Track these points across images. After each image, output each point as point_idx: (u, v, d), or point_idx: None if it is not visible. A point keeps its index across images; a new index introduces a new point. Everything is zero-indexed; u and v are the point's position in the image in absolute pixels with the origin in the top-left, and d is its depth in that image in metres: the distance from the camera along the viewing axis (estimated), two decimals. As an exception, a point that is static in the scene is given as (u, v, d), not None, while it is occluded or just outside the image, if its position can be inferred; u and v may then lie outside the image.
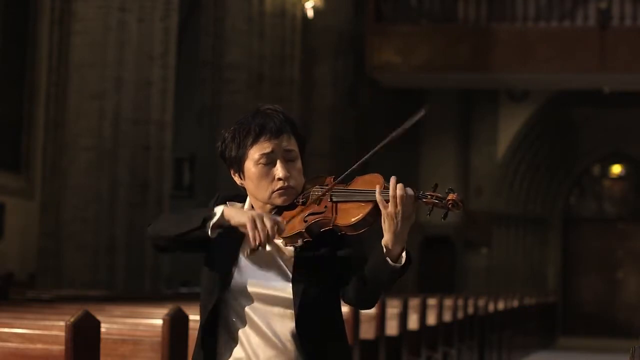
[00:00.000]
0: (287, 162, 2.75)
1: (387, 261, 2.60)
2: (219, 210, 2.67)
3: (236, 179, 2.82)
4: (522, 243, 20.89)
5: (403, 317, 7.93)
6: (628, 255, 21.47)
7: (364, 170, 2.79)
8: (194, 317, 4.58)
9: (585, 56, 16.87)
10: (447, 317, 10.02)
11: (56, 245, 10.84)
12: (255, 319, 2.71)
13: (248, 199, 2.85)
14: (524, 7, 17.53)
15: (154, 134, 11.01)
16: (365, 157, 2.73)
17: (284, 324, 2.71)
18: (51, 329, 4.08)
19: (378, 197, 2.61)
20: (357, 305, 2.76)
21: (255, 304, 2.70)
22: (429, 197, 2.62)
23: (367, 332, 6.99)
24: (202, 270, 2.82)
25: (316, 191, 2.74)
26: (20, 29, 15.02)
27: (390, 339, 7.59)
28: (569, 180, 21.65)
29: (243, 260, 2.74)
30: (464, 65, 17.39)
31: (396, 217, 2.59)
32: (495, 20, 17.51)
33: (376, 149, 2.74)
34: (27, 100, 15.04)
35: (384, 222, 2.61)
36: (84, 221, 10.65)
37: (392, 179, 2.63)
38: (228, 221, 2.65)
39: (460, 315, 10.59)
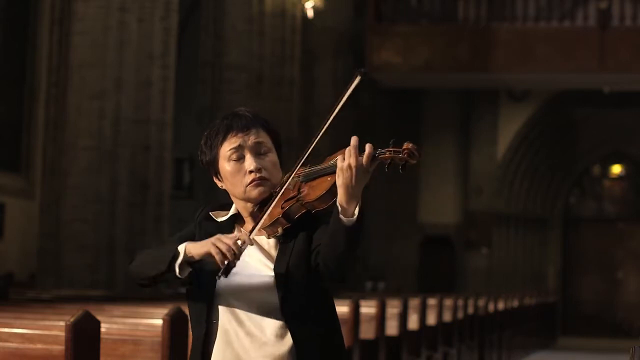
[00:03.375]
0: (258, 155, 2.78)
1: (340, 219, 2.57)
2: (181, 249, 2.70)
3: (217, 182, 2.86)
4: (522, 243, 20.89)
5: (403, 317, 7.93)
6: (628, 255, 21.47)
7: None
8: (194, 317, 4.58)
9: (585, 56, 16.87)
10: (447, 317, 10.02)
11: (56, 245, 10.84)
12: (244, 318, 2.72)
13: (234, 204, 2.87)
14: (524, 7, 17.53)
15: (154, 134, 11.01)
16: (319, 133, 2.75)
17: (272, 319, 2.71)
18: (51, 329, 4.08)
19: (339, 156, 2.62)
20: (327, 273, 2.67)
21: (243, 304, 2.71)
22: (386, 153, 2.62)
23: (367, 332, 6.99)
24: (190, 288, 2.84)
25: (286, 177, 2.77)
26: (20, 29, 15.03)
27: (390, 339, 7.59)
28: (569, 180, 21.65)
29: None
30: (464, 65, 17.39)
31: (349, 170, 2.58)
32: (495, 20, 17.51)
33: (327, 123, 2.76)
34: (27, 100, 15.05)
35: (338, 177, 2.59)
36: (84, 221, 10.65)
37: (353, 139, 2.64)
38: (192, 257, 2.69)
39: (460, 315, 10.59)
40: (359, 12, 17.94)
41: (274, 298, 2.70)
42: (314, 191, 2.69)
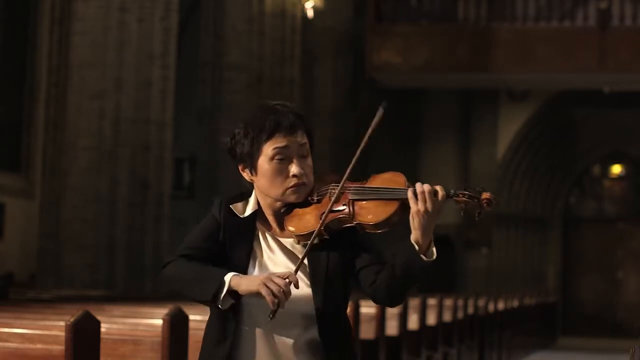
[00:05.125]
0: (300, 158, 2.73)
1: (421, 258, 2.60)
2: (226, 280, 2.63)
3: (245, 175, 2.79)
4: (522, 243, 20.89)
5: (403, 317, 7.93)
6: (628, 255, 21.46)
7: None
8: (194, 317, 4.58)
9: (585, 56, 16.87)
10: (447, 317, 10.02)
11: (56, 245, 10.84)
12: (274, 327, 2.68)
13: (254, 196, 2.82)
14: (524, 7, 17.53)
15: (154, 134, 11.00)
16: (356, 155, 2.72)
17: (302, 327, 2.69)
18: (51, 329, 4.08)
19: (410, 194, 2.59)
20: (388, 303, 2.74)
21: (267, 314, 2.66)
22: (460, 195, 2.61)
23: (367, 332, 6.99)
24: None
25: (332, 189, 2.71)
26: (20, 29, 15.03)
27: (390, 339, 7.59)
28: (569, 180, 21.64)
29: (256, 273, 2.71)
30: (464, 65, 17.38)
31: (425, 215, 2.59)
32: (495, 20, 17.50)
33: (361, 146, 2.74)
34: (27, 100, 15.05)
35: (413, 219, 2.60)
36: (84, 221, 10.65)
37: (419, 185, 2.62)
38: (236, 291, 2.63)
39: (460, 315, 10.59)
40: (359, 12, 17.93)
41: (308, 308, 2.69)
42: (369, 214, 2.65)
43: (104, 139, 10.73)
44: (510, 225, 20.64)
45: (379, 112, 2.75)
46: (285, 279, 2.58)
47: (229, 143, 2.78)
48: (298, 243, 2.72)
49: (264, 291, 2.56)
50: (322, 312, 2.67)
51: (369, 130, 2.73)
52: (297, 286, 2.60)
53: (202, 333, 4.50)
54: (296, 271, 2.62)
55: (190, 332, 4.37)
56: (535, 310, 17.80)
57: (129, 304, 7.12)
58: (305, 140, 2.75)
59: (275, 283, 2.57)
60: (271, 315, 2.58)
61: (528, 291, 18.23)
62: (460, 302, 10.72)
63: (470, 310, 11.38)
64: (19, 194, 14.72)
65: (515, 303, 15.47)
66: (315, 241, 2.66)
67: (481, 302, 12.18)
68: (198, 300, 2.71)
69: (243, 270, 2.69)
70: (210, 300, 2.64)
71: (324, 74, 17.26)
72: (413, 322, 8.50)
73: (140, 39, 10.88)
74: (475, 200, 2.60)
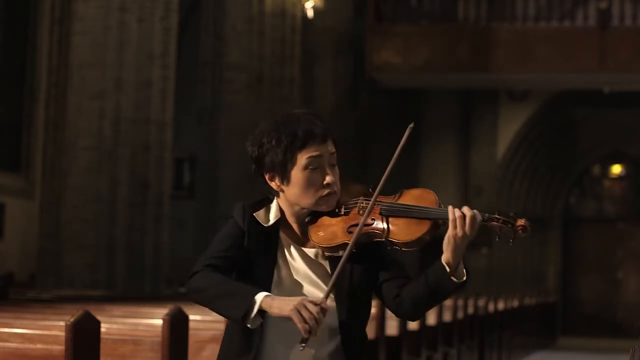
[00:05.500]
0: (331, 167, 2.74)
1: (451, 280, 2.62)
2: (257, 300, 2.59)
3: (273, 184, 2.76)
4: (522, 243, 20.87)
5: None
6: (628, 255, 21.46)
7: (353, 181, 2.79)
8: (194, 317, 4.58)
9: (585, 56, 16.87)
10: (447, 317, 10.02)
11: (56, 245, 10.84)
12: (292, 343, 2.66)
13: (276, 204, 2.79)
14: (524, 7, 17.53)
15: (154, 134, 11.00)
16: (387, 172, 2.72)
17: (324, 345, 2.68)
18: (51, 329, 4.09)
19: (451, 218, 2.60)
20: (411, 318, 2.78)
21: (293, 327, 2.63)
22: (495, 220, 2.62)
23: (367, 332, 6.98)
24: None
25: (363, 203, 2.70)
26: (20, 29, 15.03)
27: (390, 339, 7.59)
28: (569, 180, 21.64)
29: (277, 285, 2.70)
30: (464, 65, 17.38)
31: (461, 239, 2.61)
32: (495, 20, 17.50)
33: (391, 164, 2.73)
34: (27, 100, 15.06)
35: (448, 242, 2.62)
36: (84, 221, 10.65)
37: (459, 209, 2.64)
38: (266, 311, 2.60)
39: (460, 315, 10.59)
40: (359, 12, 17.93)
41: (332, 320, 2.69)
42: (401, 232, 2.64)
43: (104, 139, 10.73)
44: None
45: (408, 130, 2.76)
46: (317, 305, 2.55)
47: (256, 152, 2.74)
48: (322, 253, 2.71)
49: (296, 318, 2.53)
50: (345, 324, 2.67)
51: (399, 148, 2.75)
52: (325, 313, 2.57)
53: (202, 333, 4.48)
54: (327, 296, 2.60)
55: (190, 332, 4.37)
56: (535, 310, 17.80)
57: (129, 304, 7.12)
58: (334, 149, 2.75)
59: (308, 310, 2.53)
60: (303, 345, 2.54)
61: (528, 291, 18.23)
62: (460, 302, 10.72)
63: (470, 310, 11.38)
64: (19, 194, 14.72)
65: (515, 303, 15.47)
66: (340, 253, 2.65)
67: (481, 302, 12.18)
68: (226, 316, 2.69)
69: (266, 279, 2.68)
70: (239, 319, 2.61)
71: (324, 74, 17.26)
72: (413, 322, 8.49)
73: (140, 39, 10.87)
74: (510, 226, 2.60)
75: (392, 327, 7.69)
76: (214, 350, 4.61)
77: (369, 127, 17.87)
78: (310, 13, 15.73)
